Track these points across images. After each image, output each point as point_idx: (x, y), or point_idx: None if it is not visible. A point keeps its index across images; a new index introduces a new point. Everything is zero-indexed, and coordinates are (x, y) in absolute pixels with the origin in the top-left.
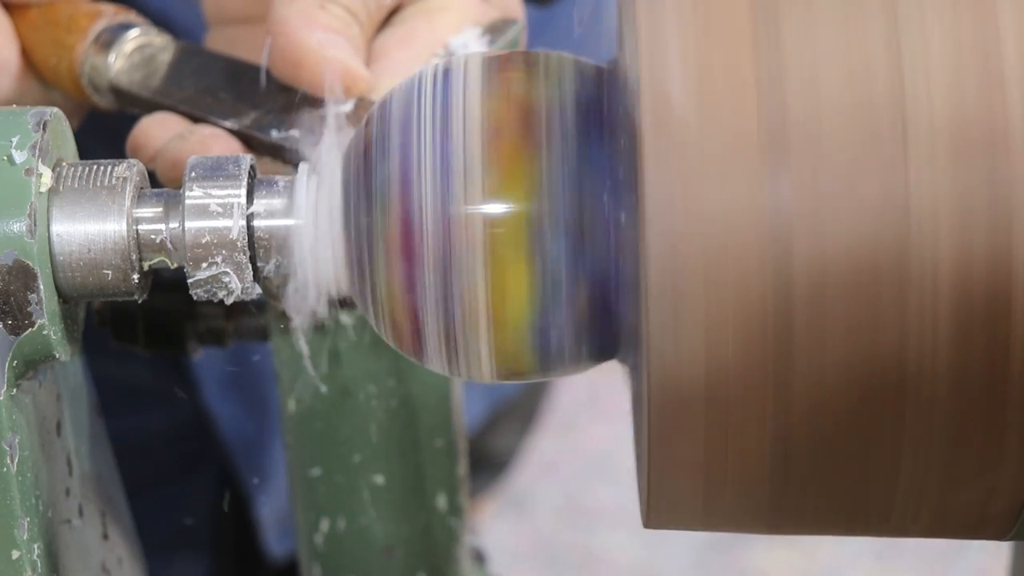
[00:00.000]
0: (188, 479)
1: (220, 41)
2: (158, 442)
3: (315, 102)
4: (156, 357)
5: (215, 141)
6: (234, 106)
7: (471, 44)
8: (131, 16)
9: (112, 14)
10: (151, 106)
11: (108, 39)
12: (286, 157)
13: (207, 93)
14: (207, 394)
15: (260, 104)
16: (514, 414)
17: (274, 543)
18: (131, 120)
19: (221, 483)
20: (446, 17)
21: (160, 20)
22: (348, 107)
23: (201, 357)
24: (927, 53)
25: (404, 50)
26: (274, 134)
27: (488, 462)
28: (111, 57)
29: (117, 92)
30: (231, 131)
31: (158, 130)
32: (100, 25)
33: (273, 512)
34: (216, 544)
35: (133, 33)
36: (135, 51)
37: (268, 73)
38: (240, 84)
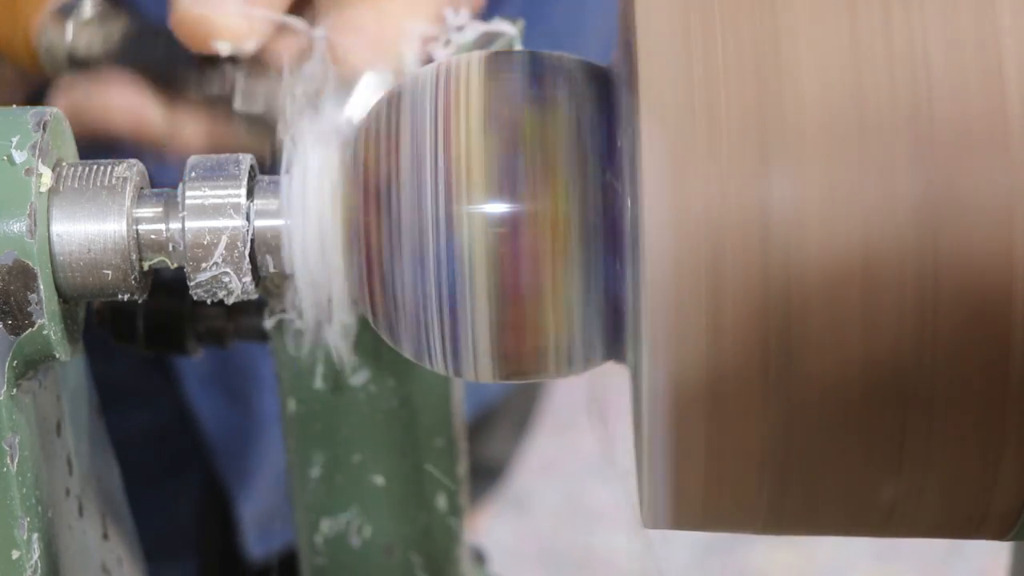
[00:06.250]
0: (172, 481)
1: None
2: (142, 443)
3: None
4: (136, 356)
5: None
6: (199, 78)
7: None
8: None
9: None
10: None
11: (66, 9)
12: (257, 128)
13: (169, 63)
14: (189, 392)
15: (226, 74)
16: (504, 418)
17: (253, 544)
18: None
19: (206, 484)
20: (393, 5)
21: None
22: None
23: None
24: (927, 52)
25: (349, 37)
26: (242, 103)
27: (480, 469)
28: (69, 27)
29: (75, 61)
30: (202, 102)
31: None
32: None
33: (254, 514)
34: (201, 546)
35: (90, 3)
36: (93, 20)
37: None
38: (203, 55)
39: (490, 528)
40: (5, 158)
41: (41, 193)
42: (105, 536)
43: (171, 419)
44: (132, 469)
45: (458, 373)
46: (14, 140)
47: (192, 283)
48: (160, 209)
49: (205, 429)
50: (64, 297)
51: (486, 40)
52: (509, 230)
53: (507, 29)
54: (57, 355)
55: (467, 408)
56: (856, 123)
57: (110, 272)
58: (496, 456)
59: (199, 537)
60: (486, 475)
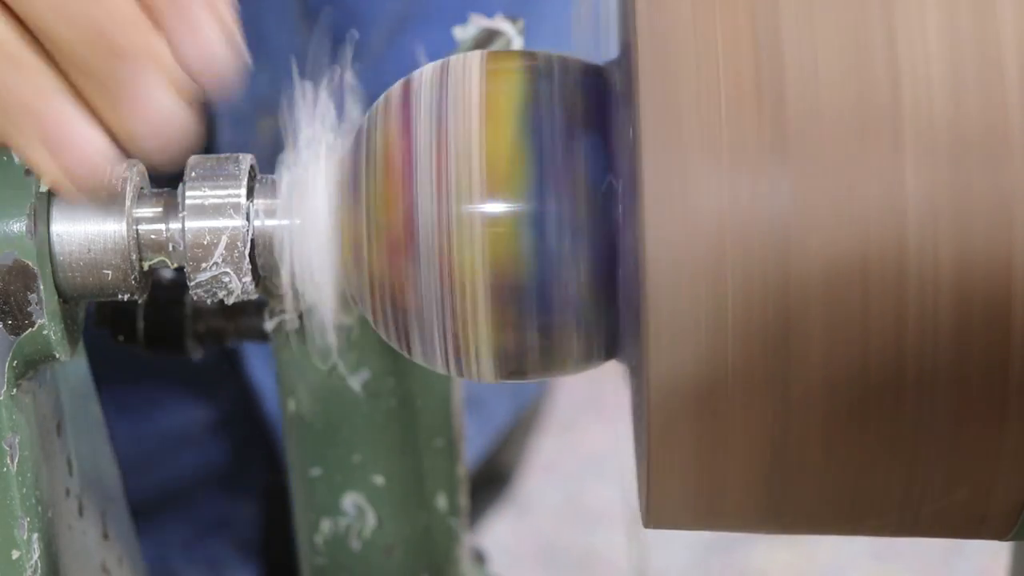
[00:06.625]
0: (235, 478)
1: None
2: (202, 437)
3: None
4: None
5: None
6: None
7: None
8: None
9: None
10: None
11: None
12: None
13: None
14: (254, 379)
15: None
16: (525, 421)
17: None
18: None
19: (271, 483)
20: None
21: None
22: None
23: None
24: (927, 53)
25: None
26: None
27: (495, 476)
28: None
29: None
30: None
31: None
32: None
33: None
34: (266, 552)
35: None
36: None
37: None
38: None
39: (490, 528)
40: (5, 158)
41: (41, 193)
42: (105, 536)
43: (235, 410)
44: (192, 465)
45: (459, 373)
46: None
47: (192, 283)
48: (160, 209)
49: (269, 410)
50: (64, 297)
51: (485, 38)
52: (509, 230)
53: (506, 27)
54: (57, 355)
55: (510, 409)
56: (857, 123)
57: (110, 272)
58: (511, 460)
59: (264, 541)
60: (499, 481)
